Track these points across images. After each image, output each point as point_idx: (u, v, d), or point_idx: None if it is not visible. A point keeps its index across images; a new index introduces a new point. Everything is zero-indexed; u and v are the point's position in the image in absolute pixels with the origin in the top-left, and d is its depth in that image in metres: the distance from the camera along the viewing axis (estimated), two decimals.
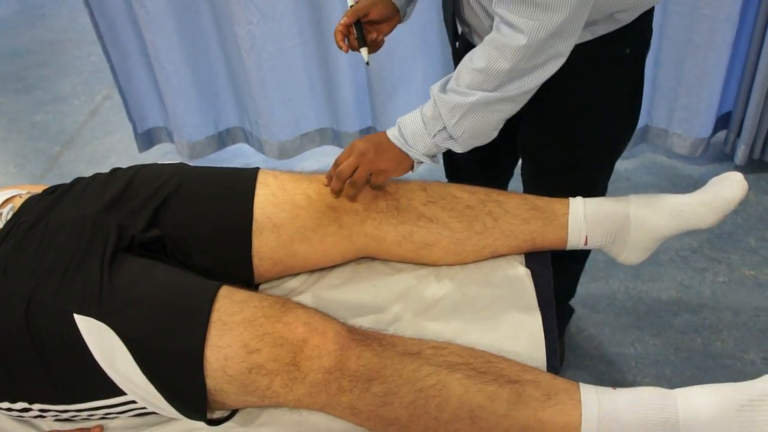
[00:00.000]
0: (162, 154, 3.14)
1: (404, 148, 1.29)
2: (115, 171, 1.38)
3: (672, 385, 1.89)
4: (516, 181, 1.96)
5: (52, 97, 3.82)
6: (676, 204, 1.34)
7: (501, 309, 1.29)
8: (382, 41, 1.46)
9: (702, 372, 1.96)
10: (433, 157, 1.31)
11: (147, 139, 3.01)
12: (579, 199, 1.39)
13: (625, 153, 2.81)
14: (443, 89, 1.25)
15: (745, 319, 2.10)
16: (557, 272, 1.43)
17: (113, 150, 3.29)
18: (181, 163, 1.43)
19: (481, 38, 1.26)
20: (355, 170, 1.29)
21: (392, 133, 1.30)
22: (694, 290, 2.21)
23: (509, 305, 1.30)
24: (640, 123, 2.71)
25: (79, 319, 1.08)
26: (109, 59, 2.73)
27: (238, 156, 3.09)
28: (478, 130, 1.25)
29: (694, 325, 2.10)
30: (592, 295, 2.22)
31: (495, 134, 1.28)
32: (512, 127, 1.37)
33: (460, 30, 1.47)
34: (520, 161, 1.68)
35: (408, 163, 1.31)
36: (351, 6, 1.41)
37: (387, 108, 2.69)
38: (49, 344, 1.09)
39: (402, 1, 1.47)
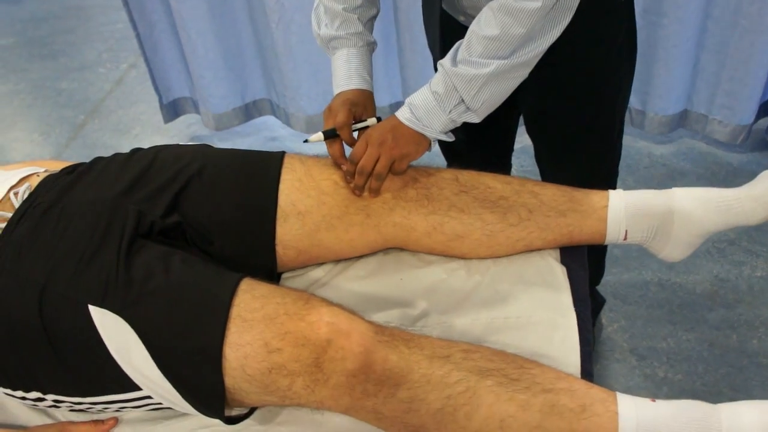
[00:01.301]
0: (187, 125, 3.10)
1: (420, 129, 1.25)
2: (136, 152, 1.33)
3: (704, 382, 1.86)
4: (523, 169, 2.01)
5: (78, 65, 3.79)
6: (723, 198, 1.26)
7: (534, 308, 1.23)
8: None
9: (736, 371, 1.90)
10: (447, 133, 1.28)
11: (172, 109, 2.97)
12: (619, 191, 1.32)
13: (662, 138, 2.75)
14: (454, 62, 1.21)
15: None
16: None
17: (138, 120, 3.25)
18: (204, 145, 1.37)
19: None
20: (376, 162, 1.24)
21: (404, 116, 1.25)
22: (731, 284, 2.14)
23: (542, 304, 1.24)
24: (679, 107, 2.63)
25: (93, 310, 1.04)
26: (135, 28, 2.69)
27: (263, 129, 3.04)
28: (496, 97, 1.23)
29: (730, 321, 2.03)
30: (624, 285, 2.16)
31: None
32: (507, 103, 1.34)
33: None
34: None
35: (426, 142, 1.28)
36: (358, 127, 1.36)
37: (418, 82, 2.63)
38: (62, 336, 1.05)
39: (371, 84, 1.42)
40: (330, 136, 1.33)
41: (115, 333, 1.03)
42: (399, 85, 2.74)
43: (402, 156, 1.25)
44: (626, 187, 1.71)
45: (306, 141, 1.37)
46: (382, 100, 2.74)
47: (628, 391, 1.84)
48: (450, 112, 1.22)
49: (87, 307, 1.04)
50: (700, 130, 2.66)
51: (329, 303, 1.06)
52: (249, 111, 2.93)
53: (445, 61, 1.22)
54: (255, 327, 1.02)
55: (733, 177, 2.54)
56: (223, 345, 1.01)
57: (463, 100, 1.21)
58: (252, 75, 2.82)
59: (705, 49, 2.47)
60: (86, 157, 2.97)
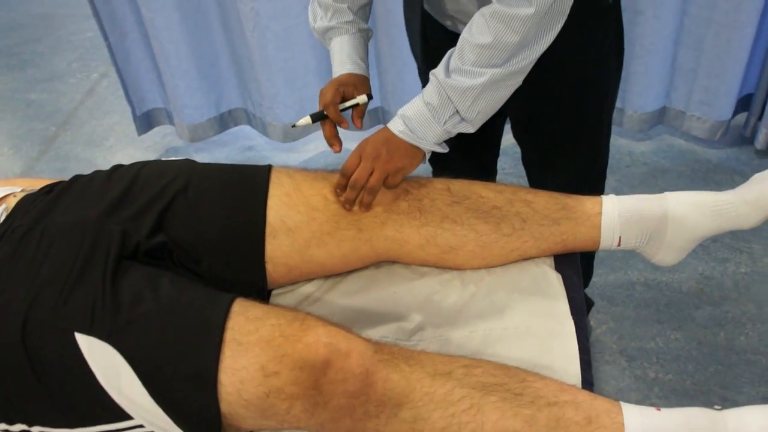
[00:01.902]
0: (162, 136, 3.05)
1: (414, 141, 1.22)
2: (117, 169, 1.29)
3: (694, 381, 1.86)
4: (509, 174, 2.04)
5: (48, 75, 3.72)
6: (717, 202, 1.26)
7: (531, 317, 1.22)
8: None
9: (725, 368, 1.90)
10: (441, 144, 1.26)
11: (146, 121, 2.92)
12: (612, 196, 1.31)
13: (641, 135, 2.75)
14: (447, 72, 1.19)
15: None
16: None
17: (111, 131, 3.19)
18: (187, 160, 1.33)
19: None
20: (369, 176, 1.21)
21: (397, 128, 1.23)
22: (716, 281, 2.14)
23: (540, 313, 1.22)
24: (657, 104, 2.63)
25: (80, 338, 1.00)
26: (106, 38, 2.64)
27: (240, 138, 3.00)
28: (491, 107, 1.21)
29: (717, 319, 2.03)
30: (610, 286, 2.15)
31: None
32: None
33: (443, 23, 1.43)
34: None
35: (420, 155, 1.25)
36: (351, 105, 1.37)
37: (397, 87, 2.61)
38: (48, 365, 1.01)
39: (365, 68, 1.44)
40: (318, 118, 1.34)
41: (104, 361, 1.00)
42: (377, 91, 2.72)
43: (396, 170, 1.22)
44: (609, 187, 1.70)
45: (294, 126, 1.38)
46: None
47: (620, 392, 1.85)
48: (445, 123, 1.20)
49: (73, 335, 1.00)
50: (678, 126, 2.67)
51: (326, 323, 1.04)
52: (224, 121, 2.89)
53: (438, 72, 1.19)
54: (251, 350, 0.99)
55: (713, 174, 2.55)
56: (218, 370, 0.98)
57: (457, 111, 1.19)
58: (227, 84, 2.78)
59: (682, 46, 2.47)
60: (59, 170, 2.91)
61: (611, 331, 2.03)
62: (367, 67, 1.44)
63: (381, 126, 1.28)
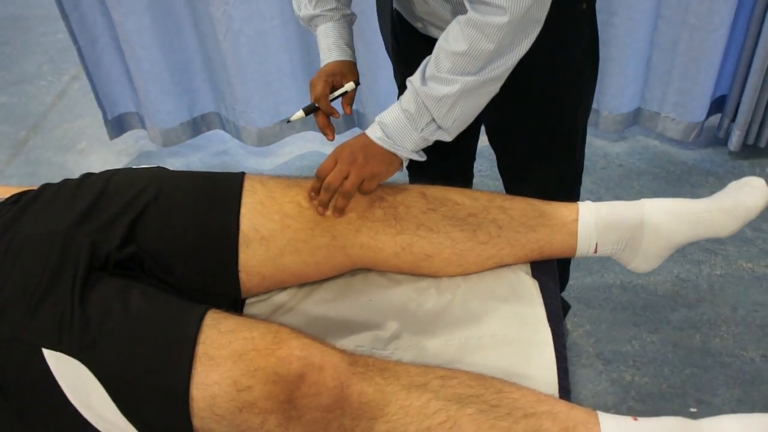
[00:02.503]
0: (135, 139, 3.01)
1: (392, 148, 1.21)
2: (87, 177, 1.27)
3: (670, 384, 1.87)
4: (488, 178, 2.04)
5: (17, 78, 3.66)
6: (693, 210, 1.26)
7: (508, 325, 1.21)
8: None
9: (701, 371, 1.91)
10: (418, 151, 1.25)
11: (118, 125, 2.88)
12: (588, 203, 1.31)
13: (615, 136, 2.76)
14: (423, 81, 1.18)
15: (743, 314, 2.05)
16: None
17: (83, 134, 3.14)
18: (158, 167, 1.31)
19: (441, 29, 1.20)
20: (344, 179, 1.20)
21: (375, 134, 1.22)
22: (691, 284, 2.15)
23: (516, 321, 1.22)
24: (632, 105, 2.64)
25: (48, 354, 0.97)
26: (75, 42, 2.60)
27: (214, 142, 2.97)
28: (468, 115, 1.19)
29: (692, 321, 2.04)
30: (587, 289, 2.15)
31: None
32: None
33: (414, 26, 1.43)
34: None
35: (398, 162, 1.24)
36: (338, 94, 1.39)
37: (372, 90, 2.59)
38: (15, 383, 0.99)
39: (351, 53, 1.45)
40: (310, 111, 1.38)
41: (73, 377, 0.97)
42: None
43: (372, 175, 1.21)
44: (585, 189, 1.69)
45: (288, 121, 1.42)
46: None
47: (597, 396, 1.86)
48: (422, 130, 1.19)
49: (41, 351, 0.98)
50: (653, 128, 2.68)
51: (299, 335, 1.02)
52: (197, 125, 2.85)
53: (415, 79, 1.18)
54: (223, 365, 0.97)
55: (687, 176, 2.56)
56: (189, 385, 0.96)
57: (434, 119, 1.18)
58: (200, 89, 2.75)
59: (656, 48, 2.49)
60: (30, 175, 2.86)
61: (588, 335, 2.03)
62: (353, 51, 1.46)
63: (357, 128, 1.27)
